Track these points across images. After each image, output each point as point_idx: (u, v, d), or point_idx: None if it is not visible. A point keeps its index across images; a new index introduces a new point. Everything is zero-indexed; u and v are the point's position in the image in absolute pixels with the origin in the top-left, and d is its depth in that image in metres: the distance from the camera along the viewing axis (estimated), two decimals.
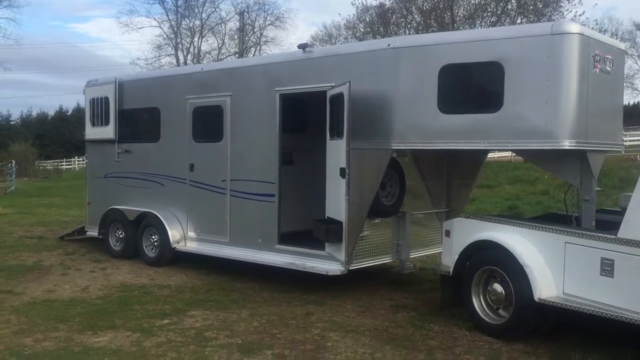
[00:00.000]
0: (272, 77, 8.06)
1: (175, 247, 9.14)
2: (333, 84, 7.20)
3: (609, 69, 6.40)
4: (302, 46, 7.83)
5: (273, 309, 6.95)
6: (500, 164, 24.27)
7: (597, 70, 6.20)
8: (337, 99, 6.93)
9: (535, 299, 5.56)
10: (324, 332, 6.10)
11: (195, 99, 9.04)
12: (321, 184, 7.90)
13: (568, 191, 6.72)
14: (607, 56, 6.37)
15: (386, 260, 7.84)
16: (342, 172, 6.73)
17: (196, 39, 55.88)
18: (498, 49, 6.21)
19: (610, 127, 6.61)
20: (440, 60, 6.51)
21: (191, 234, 9.14)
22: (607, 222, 6.41)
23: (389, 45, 6.91)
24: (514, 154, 23.89)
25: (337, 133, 7.03)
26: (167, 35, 55.81)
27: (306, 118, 9.32)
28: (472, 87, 6.53)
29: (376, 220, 7.58)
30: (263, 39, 52.84)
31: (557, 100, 5.91)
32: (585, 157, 6.21)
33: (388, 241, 7.82)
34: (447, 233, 6.73)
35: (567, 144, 5.90)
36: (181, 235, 9.20)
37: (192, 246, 9.11)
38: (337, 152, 6.96)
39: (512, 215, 8.03)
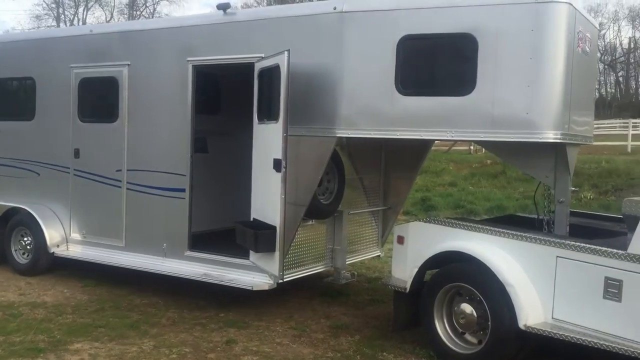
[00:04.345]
0: (183, 44, 6.49)
1: (54, 252, 7.37)
2: (263, 55, 5.81)
3: (588, 49, 5.52)
4: (223, 7, 6.29)
5: (184, 336, 5.48)
6: None
7: (580, 50, 5.29)
8: (271, 72, 5.54)
9: (520, 325, 4.54)
10: None
11: (82, 69, 7.26)
12: (241, 176, 6.53)
13: (538, 190, 5.79)
14: (587, 35, 5.48)
15: (320, 269, 6.58)
16: (277, 165, 5.35)
17: (81, 10, 52.17)
18: (471, 18, 5.09)
19: (585, 117, 5.74)
20: (399, 29, 5.30)
21: (75, 235, 7.39)
22: (582, 228, 5.57)
23: (335, 8, 5.58)
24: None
25: (268, 115, 5.66)
26: (48, 5, 51.49)
27: (219, 96, 7.86)
28: (438, 64, 5.34)
29: (310, 222, 6.31)
30: (156, 15, 50.31)
31: (542, 83, 4.92)
32: (563, 150, 5.29)
33: (322, 246, 6.56)
34: (400, 240, 5.57)
35: (551, 136, 4.93)
36: (62, 237, 7.43)
37: (76, 251, 7.38)
38: (268, 139, 5.58)
39: (479, 220, 7.07)
